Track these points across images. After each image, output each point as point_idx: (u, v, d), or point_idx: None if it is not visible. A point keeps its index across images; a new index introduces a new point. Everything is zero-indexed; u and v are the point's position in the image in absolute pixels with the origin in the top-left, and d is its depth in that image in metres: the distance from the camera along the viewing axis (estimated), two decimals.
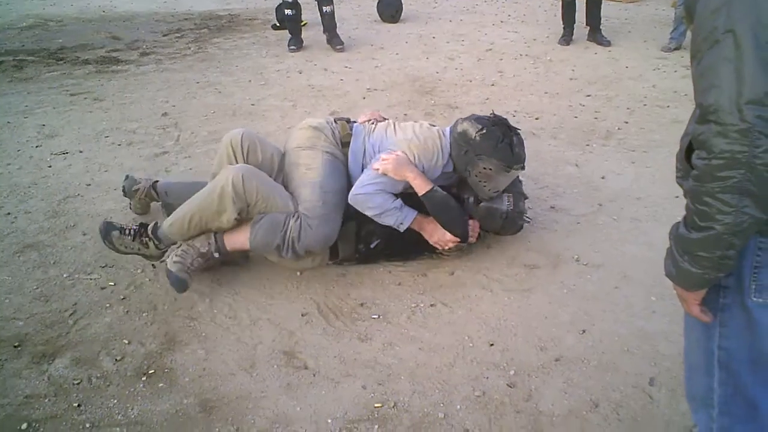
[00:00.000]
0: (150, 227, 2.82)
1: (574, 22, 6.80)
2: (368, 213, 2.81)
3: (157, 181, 3.25)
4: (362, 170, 2.93)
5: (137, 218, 3.29)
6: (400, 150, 2.86)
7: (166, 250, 2.81)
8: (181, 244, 2.77)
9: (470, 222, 2.95)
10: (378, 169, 2.80)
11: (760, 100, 1.11)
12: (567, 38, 6.81)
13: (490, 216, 2.96)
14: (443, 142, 2.94)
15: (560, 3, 6.83)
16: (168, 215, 3.00)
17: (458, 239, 2.88)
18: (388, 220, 2.82)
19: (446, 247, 2.92)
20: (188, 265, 2.70)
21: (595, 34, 6.77)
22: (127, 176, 3.31)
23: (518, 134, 2.89)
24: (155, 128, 4.68)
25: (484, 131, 2.83)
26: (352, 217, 2.91)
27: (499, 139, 2.81)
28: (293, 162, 2.91)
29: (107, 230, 2.77)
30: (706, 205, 1.21)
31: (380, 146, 2.96)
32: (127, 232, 2.78)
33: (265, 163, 2.97)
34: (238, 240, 2.78)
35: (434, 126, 3.07)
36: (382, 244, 2.97)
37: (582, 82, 5.64)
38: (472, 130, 2.84)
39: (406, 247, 3.01)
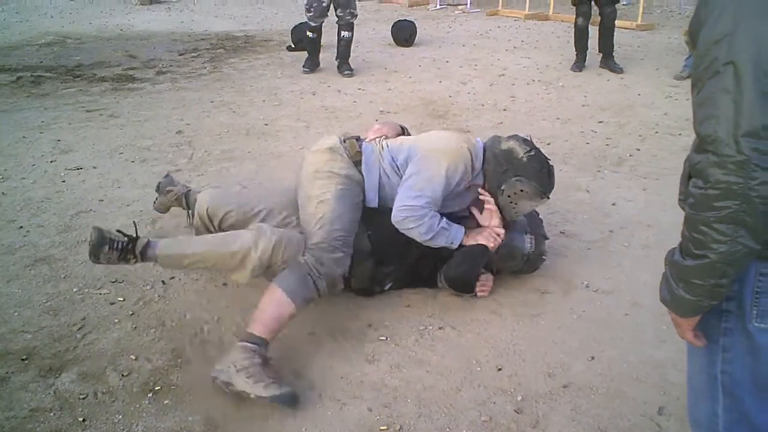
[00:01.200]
0: (139, 248, 2.58)
1: (587, 49, 6.83)
2: (418, 238, 2.71)
3: (190, 190, 3.19)
4: (378, 185, 2.85)
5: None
6: (434, 162, 2.75)
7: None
8: (230, 368, 2.31)
9: (486, 276, 2.92)
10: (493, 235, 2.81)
11: (757, 133, 1.11)
12: (579, 65, 6.83)
13: (511, 257, 2.94)
14: (474, 153, 2.85)
15: (573, 30, 6.88)
16: (192, 222, 3.02)
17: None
18: (439, 242, 2.74)
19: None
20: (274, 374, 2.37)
21: (608, 61, 6.80)
22: (167, 174, 3.33)
23: (538, 215, 2.93)
24: (169, 146, 4.72)
25: (533, 153, 2.80)
26: (368, 255, 2.82)
27: (544, 164, 2.81)
28: (307, 193, 2.77)
29: (99, 243, 2.52)
30: (701, 233, 1.21)
31: (406, 157, 2.85)
32: (115, 245, 2.54)
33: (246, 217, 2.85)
34: (276, 314, 2.44)
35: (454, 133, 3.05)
36: (395, 285, 2.95)
37: (594, 108, 5.66)
38: (520, 151, 2.80)
39: (417, 284, 3.00)
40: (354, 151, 2.89)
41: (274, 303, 2.44)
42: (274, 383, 2.26)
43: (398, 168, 2.86)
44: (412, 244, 2.82)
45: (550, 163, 2.86)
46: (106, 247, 2.52)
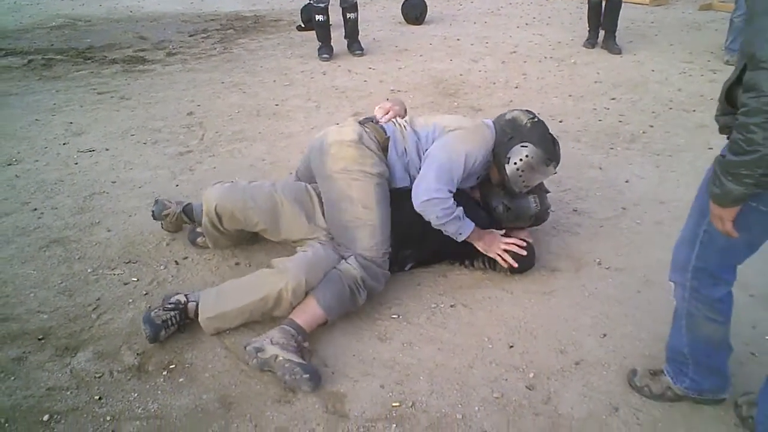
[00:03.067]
0: (191, 313, 2.55)
1: (600, 25, 6.74)
2: (434, 221, 2.70)
3: (188, 205, 3.16)
4: (405, 169, 2.87)
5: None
6: (459, 145, 2.76)
7: None
8: (266, 339, 2.38)
9: (510, 241, 2.89)
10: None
11: None
12: (592, 41, 6.75)
13: (519, 220, 2.98)
14: (491, 134, 2.87)
15: (586, 6, 6.78)
16: (199, 232, 3.07)
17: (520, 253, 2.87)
18: (449, 229, 2.73)
19: (503, 261, 2.86)
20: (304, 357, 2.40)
21: (608, 41, 6.63)
22: (156, 201, 3.19)
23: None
24: (180, 127, 4.73)
25: (536, 120, 2.84)
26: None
27: (547, 131, 2.83)
28: (344, 194, 2.73)
29: (155, 335, 2.44)
30: (752, 133, 1.55)
31: (431, 137, 2.87)
32: (169, 324, 2.48)
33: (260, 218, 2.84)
34: (313, 318, 2.50)
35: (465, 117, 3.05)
36: (415, 266, 2.97)
37: (607, 85, 5.60)
38: (524, 117, 2.84)
39: (435, 261, 3.03)
40: (382, 137, 2.88)
41: (308, 313, 2.50)
42: (304, 358, 2.36)
43: (421, 149, 2.87)
44: (431, 229, 2.83)
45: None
46: (162, 331, 2.46)
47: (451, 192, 2.70)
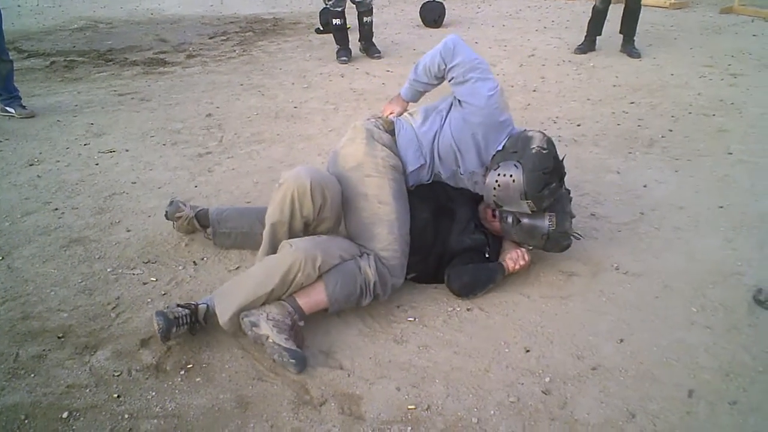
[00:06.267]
0: (201, 316, 2.54)
1: (599, 34, 6.67)
2: (483, 93, 2.74)
3: (201, 210, 3.15)
4: (418, 148, 2.83)
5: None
6: (478, 124, 2.77)
7: None
8: (262, 314, 2.42)
9: (516, 253, 2.89)
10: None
11: None
12: (584, 48, 6.67)
13: (530, 236, 2.84)
14: (508, 119, 2.87)
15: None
16: (215, 240, 3.08)
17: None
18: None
19: (517, 267, 2.87)
20: (295, 337, 2.44)
21: (627, 45, 6.59)
22: (172, 201, 3.20)
23: (566, 192, 2.89)
24: (200, 129, 4.77)
25: (545, 153, 2.67)
26: None
27: (547, 169, 2.66)
28: (359, 191, 2.71)
29: (167, 329, 2.43)
30: None
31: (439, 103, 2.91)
32: (181, 322, 2.47)
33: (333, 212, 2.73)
34: (315, 302, 2.51)
35: None
36: (417, 278, 2.93)
37: (626, 89, 5.57)
38: (537, 143, 2.69)
39: (435, 281, 2.95)
40: (390, 125, 2.90)
41: (313, 297, 2.51)
42: (294, 343, 2.40)
43: (432, 113, 2.91)
44: (438, 238, 2.85)
45: (557, 186, 2.74)
46: (174, 327, 2.45)
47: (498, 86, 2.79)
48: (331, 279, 2.51)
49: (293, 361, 2.34)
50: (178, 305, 2.53)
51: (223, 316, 2.46)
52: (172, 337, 2.47)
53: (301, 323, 2.48)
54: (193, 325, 2.52)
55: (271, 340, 2.36)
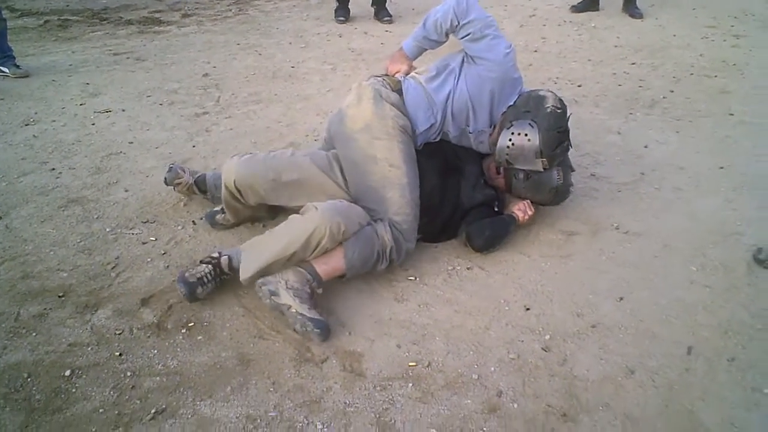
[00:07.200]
0: (225, 266, 2.54)
1: None
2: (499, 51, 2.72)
3: (200, 176, 3.11)
4: (429, 106, 2.80)
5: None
6: (488, 82, 2.74)
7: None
8: (280, 282, 2.39)
9: (523, 205, 2.91)
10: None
11: None
12: (579, 6, 6.61)
13: (539, 191, 2.85)
14: (518, 78, 2.84)
15: None
16: (214, 203, 3.06)
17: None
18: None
19: (526, 217, 2.90)
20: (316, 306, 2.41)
21: (629, 5, 6.51)
22: (170, 168, 3.13)
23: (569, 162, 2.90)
24: (196, 89, 4.72)
25: (560, 112, 2.70)
26: None
27: (560, 130, 2.69)
28: (367, 153, 2.67)
29: (192, 292, 2.45)
30: None
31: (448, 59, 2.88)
32: (206, 280, 2.48)
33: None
34: (333, 269, 2.48)
35: None
36: (425, 238, 2.91)
37: (627, 49, 5.52)
38: (550, 102, 2.70)
39: (444, 238, 2.96)
40: (396, 84, 2.85)
41: (331, 264, 2.46)
42: (315, 311, 2.35)
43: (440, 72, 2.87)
44: (447, 197, 2.84)
45: (568, 144, 2.79)
46: (199, 288, 2.46)
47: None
48: (350, 245, 2.47)
49: (318, 330, 2.29)
50: (201, 261, 2.53)
51: (245, 273, 2.45)
52: (200, 297, 2.48)
53: (320, 291, 2.45)
54: (218, 278, 2.52)
55: (293, 310, 2.31)
